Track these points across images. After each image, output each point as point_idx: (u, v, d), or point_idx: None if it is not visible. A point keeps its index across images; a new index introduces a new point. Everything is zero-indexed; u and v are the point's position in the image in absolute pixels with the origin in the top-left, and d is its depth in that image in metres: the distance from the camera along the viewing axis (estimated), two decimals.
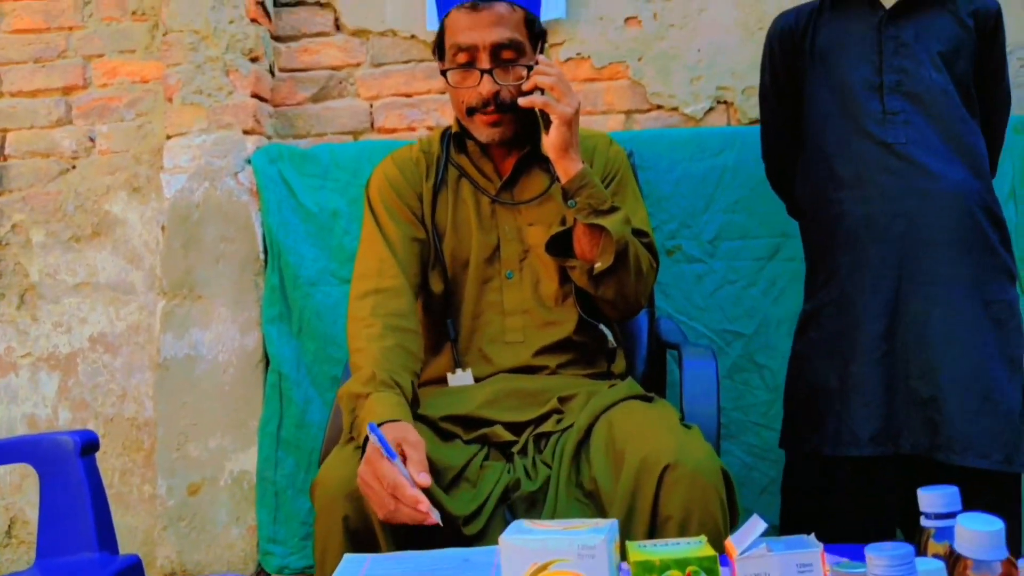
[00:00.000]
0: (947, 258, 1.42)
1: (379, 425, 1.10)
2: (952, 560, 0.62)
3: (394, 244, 1.36)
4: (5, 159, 2.19)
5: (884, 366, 1.42)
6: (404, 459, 1.06)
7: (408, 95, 2.08)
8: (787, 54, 1.61)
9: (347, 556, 1.04)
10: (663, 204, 1.89)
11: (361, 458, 1.11)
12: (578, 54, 2.03)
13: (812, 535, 0.72)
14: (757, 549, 0.56)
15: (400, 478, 1.03)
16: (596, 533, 0.59)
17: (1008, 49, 1.90)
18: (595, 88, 2.03)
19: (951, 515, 0.68)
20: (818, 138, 1.56)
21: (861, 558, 0.87)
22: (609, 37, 2.02)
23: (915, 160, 1.45)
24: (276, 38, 2.10)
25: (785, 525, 1.60)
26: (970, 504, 1.43)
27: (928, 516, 0.68)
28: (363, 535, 1.12)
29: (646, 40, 2.01)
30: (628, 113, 2.03)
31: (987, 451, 1.36)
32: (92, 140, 2.16)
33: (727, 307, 1.87)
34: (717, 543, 1.04)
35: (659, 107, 2.01)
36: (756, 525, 0.58)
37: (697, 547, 0.57)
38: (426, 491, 1.05)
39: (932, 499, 0.68)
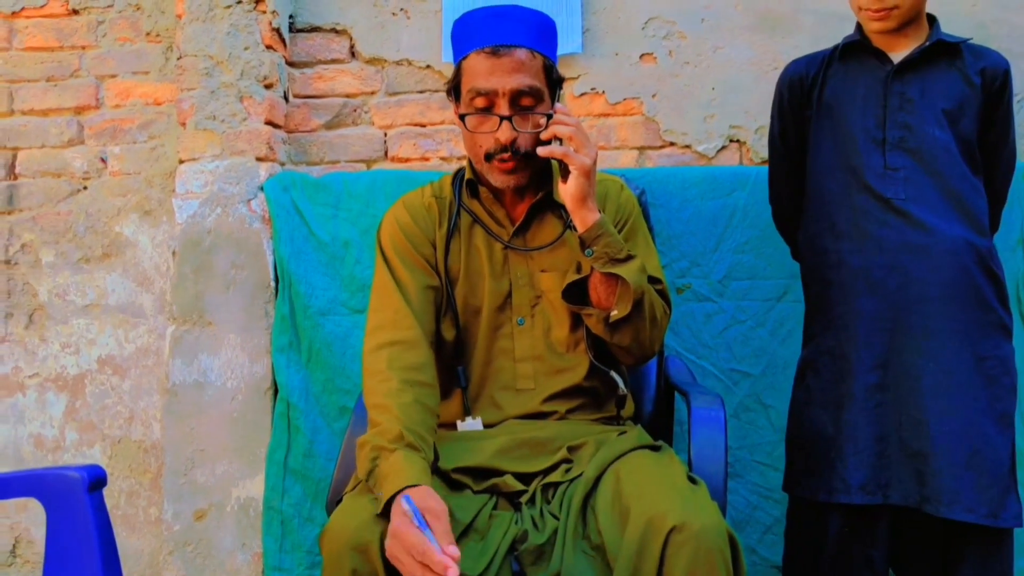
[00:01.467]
0: (941, 313, 1.44)
1: (404, 488, 1.10)
2: None
3: (409, 294, 1.36)
4: (16, 178, 2.19)
5: (876, 417, 1.45)
6: (431, 528, 1.07)
7: (422, 125, 2.09)
8: (796, 102, 1.62)
9: None
10: (674, 242, 1.90)
11: (379, 513, 1.12)
12: (592, 89, 2.04)
13: None
14: None
15: (429, 546, 1.04)
16: None
17: (1018, 97, 1.92)
18: (608, 124, 2.04)
19: None
20: (820, 188, 1.57)
21: None
22: (624, 73, 2.02)
23: (913, 216, 1.46)
24: (291, 64, 2.11)
25: (787, 567, 1.61)
26: (962, 557, 1.45)
27: None
28: None
29: (661, 77, 2.02)
30: (641, 149, 2.03)
31: (973, 505, 1.38)
32: (104, 161, 2.16)
33: (735, 347, 1.88)
34: None
35: (672, 144, 2.02)
36: None
37: None
38: None
39: None
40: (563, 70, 2.02)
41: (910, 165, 1.48)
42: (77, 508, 1.37)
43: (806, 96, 1.60)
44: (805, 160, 1.62)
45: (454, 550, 1.04)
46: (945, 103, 1.50)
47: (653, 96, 2.02)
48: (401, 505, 1.09)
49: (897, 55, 1.53)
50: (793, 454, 1.58)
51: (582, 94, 2.04)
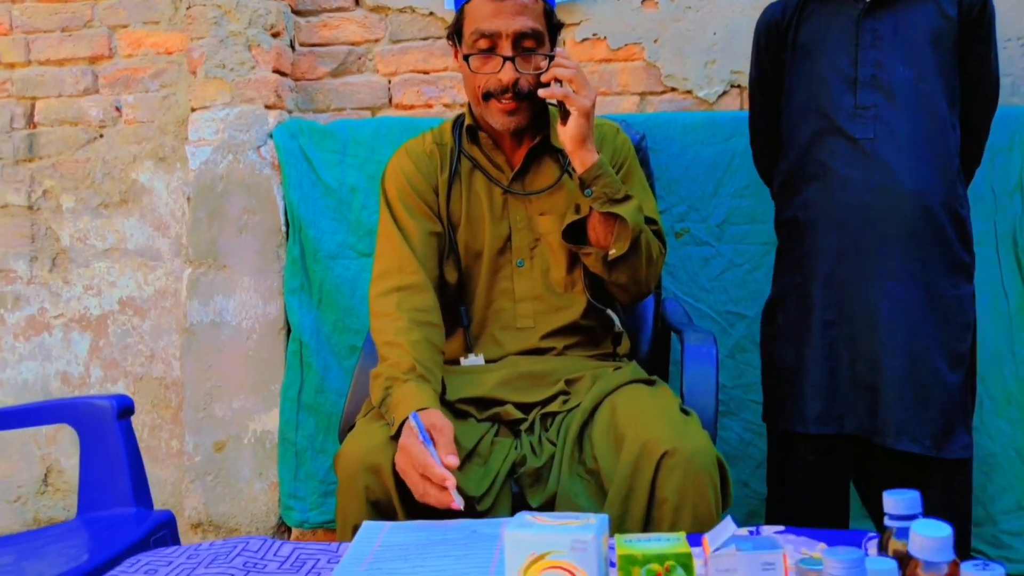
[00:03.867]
0: (901, 253, 1.47)
1: (408, 418, 1.19)
2: (906, 560, 0.70)
3: (413, 240, 1.42)
4: (35, 127, 2.26)
5: (833, 352, 1.50)
6: (434, 443, 1.15)
7: (425, 72, 2.12)
8: (772, 47, 1.63)
9: (367, 523, 1.14)
10: (673, 187, 1.94)
11: (392, 436, 1.21)
12: (594, 34, 2.06)
13: (779, 535, 0.80)
14: (727, 548, 0.63)
15: (430, 459, 1.12)
16: (588, 530, 0.67)
17: (1022, 40, 1.93)
18: (610, 69, 2.07)
19: (911, 517, 0.75)
20: (793, 131, 1.60)
21: (825, 540, 0.96)
22: (626, 18, 2.05)
23: (880, 157, 1.49)
24: (296, 12, 2.14)
25: (768, 492, 1.69)
26: (920, 485, 1.52)
27: (891, 517, 0.76)
28: (382, 504, 1.21)
29: (662, 22, 2.04)
30: (642, 95, 2.07)
31: (919, 437, 1.45)
32: (118, 110, 2.22)
33: (732, 289, 1.94)
34: (709, 525, 1.13)
35: (673, 89, 2.05)
36: (728, 526, 0.66)
37: (676, 543, 0.65)
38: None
39: (894, 502, 0.75)
40: (565, 16, 2.05)
41: (881, 103, 1.50)
42: (108, 433, 1.47)
43: (782, 39, 1.61)
44: (781, 105, 1.64)
45: (453, 459, 1.12)
46: (921, 38, 1.50)
47: (655, 41, 2.05)
48: (410, 422, 1.17)
49: None
50: (766, 388, 1.65)
51: (584, 40, 2.07)
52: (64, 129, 2.24)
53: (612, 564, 0.67)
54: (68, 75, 2.24)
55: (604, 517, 0.73)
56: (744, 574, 0.61)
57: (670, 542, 0.65)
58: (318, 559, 1.04)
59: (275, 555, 1.06)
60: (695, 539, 0.74)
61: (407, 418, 1.19)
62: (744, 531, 0.67)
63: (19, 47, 2.25)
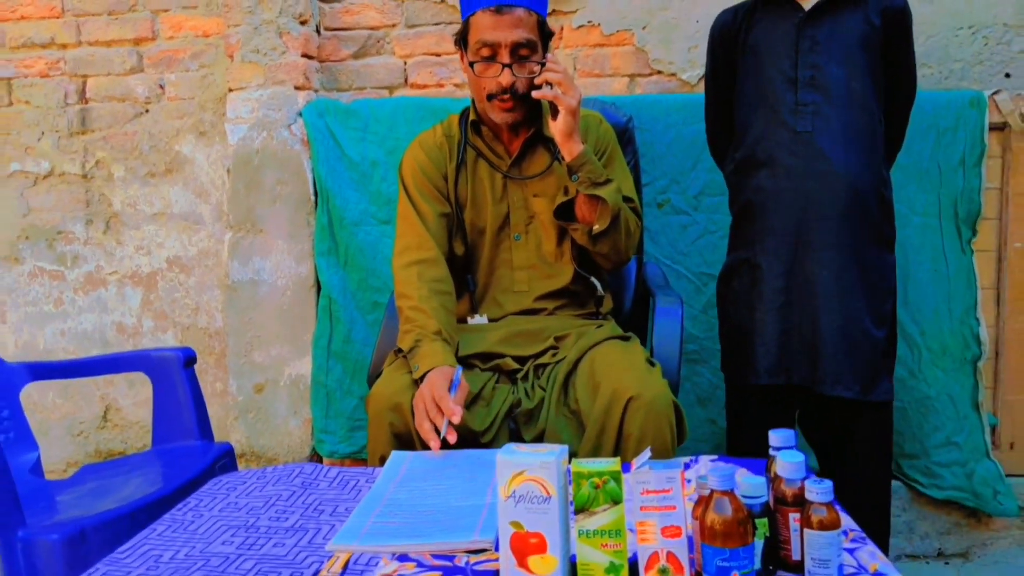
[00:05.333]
0: (836, 229, 1.72)
1: (434, 368, 1.47)
2: (775, 477, 0.99)
3: (427, 220, 1.70)
4: (87, 102, 2.51)
5: (781, 315, 1.76)
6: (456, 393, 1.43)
7: (438, 54, 2.36)
8: (726, 48, 1.85)
9: (394, 453, 1.44)
10: (657, 163, 2.19)
11: (417, 379, 1.49)
12: (589, 22, 2.29)
13: (712, 461, 1.08)
14: (642, 468, 0.92)
15: (448, 397, 1.39)
16: (551, 455, 0.96)
17: (972, 28, 2.16)
18: (603, 53, 2.30)
19: (787, 448, 1.04)
20: (744, 123, 1.83)
21: (747, 466, 1.25)
22: (618, 7, 2.27)
23: (817, 146, 1.72)
24: None
25: (728, 432, 1.97)
26: (854, 426, 1.79)
27: (773, 448, 1.04)
28: (405, 438, 1.50)
29: (651, 10, 2.26)
30: (632, 76, 2.30)
31: (850, 385, 1.72)
32: (162, 87, 2.47)
33: (706, 253, 2.21)
34: (666, 456, 1.43)
35: (659, 72, 2.28)
36: (646, 455, 0.94)
37: (611, 465, 0.94)
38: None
39: (774, 437, 1.04)
40: (563, 5, 2.28)
41: (819, 100, 1.72)
42: (176, 380, 1.77)
43: (733, 41, 1.83)
44: (733, 97, 1.87)
45: (460, 409, 1.40)
46: (850, 43, 1.72)
47: (644, 28, 2.27)
48: (447, 369, 1.46)
49: (809, 2, 1.74)
50: (724, 344, 1.92)
51: (579, 26, 2.29)
52: (113, 105, 2.50)
53: (570, 480, 0.96)
54: (115, 55, 2.48)
55: (565, 447, 1.01)
56: (654, 485, 0.90)
57: (608, 464, 0.94)
58: (358, 479, 1.35)
59: (325, 476, 1.37)
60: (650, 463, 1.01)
61: (432, 368, 1.47)
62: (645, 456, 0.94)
63: (71, 29, 2.49)
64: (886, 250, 1.79)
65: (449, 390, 1.41)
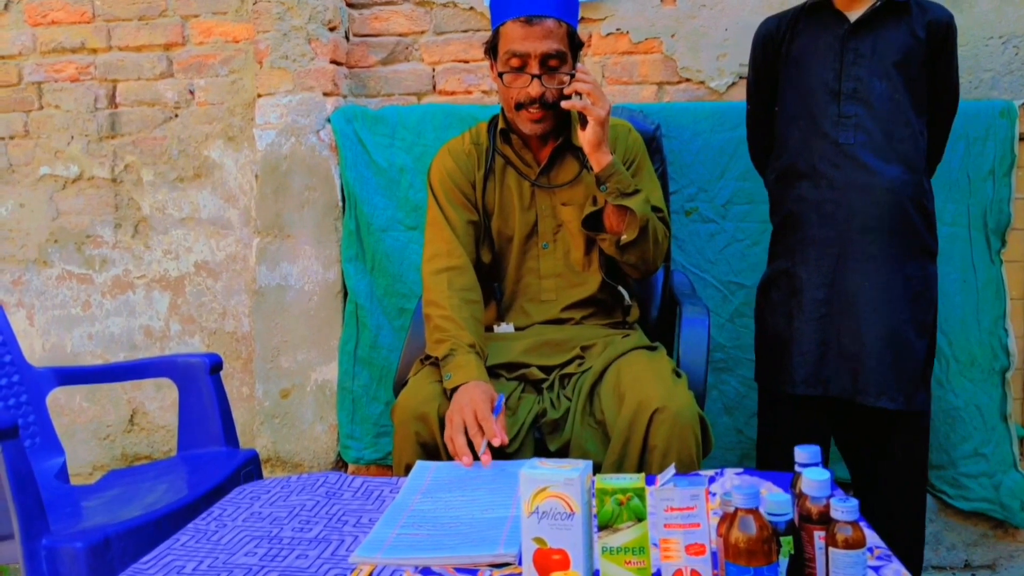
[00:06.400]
0: (878, 241, 1.70)
1: (467, 382, 1.48)
2: (800, 495, 0.98)
3: (456, 228, 1.69)
4: (116, 107, 2.54)
5: (821, 326, 1.74)
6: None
7: (466, 61, 2.36)
8: (768, 57, 1.85)
9: (420, 462, 1.44)
10: (685, 171, 2.18)
11: (450, 389, 1.49)
12: (618, 29, 2.28)
13: (738, 475, 1.07)
14: (667, 485, 0.91)
15: (492, 419, 1.40)
16: (575, 471, 0.95)
17: (1003, 38, 2.12)
18: (632, 60, 2.29)
19: (813, 465, 1.02)
20: (785, 134, 1.82)
21: (773, 480, 1.23)
22: (646, 15, 2.25)
23: (859, 158, 1.71)
24: (350, 5, 2.38)
25: (759, 443, 1.96)
26: (890, 440, 1.77)
27: (799, 465, 1.02)
28: (431, 447, 1.50)
29: (679, 18, 2.25)
30: (660, 84, 2.29)
31: (894, 396, 1.70)
32: (191, 93, 2.49)
33: (733, 262, 2.18)
34: (691, 468, 1.41)
35: (688, 80, 2.27)
36: (670, 470, 0.93)
37: (635, 481, 0.93)
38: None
39: (800, 454, 1.02)
40: (592, 13, 2.27)
41: (861, 113, 1.71)
42: (202, 386, 1.78)
43: (776, 51, 1.83)
44: (775, 107, 1.86)
45: (504, 435, 1.40)
46: (894, 56, 1.71)
47: (672, 36, 2.26)
48: (485, 387, 1.46)
49: (854, 14, 1.74)
50: (759, 353, 1.90)
51: (608, 34, 2.28)
52: (143, 109, 2.52)
53: (593, 495, 0.95)
54: (145, 60, 2.50)
55: (589, 463, 1.00)
56: (678, 503, 0.89)
57: (632, 480, 0.93)
58: (382, 489, 1.35)
59: (348, 486, 1.37)
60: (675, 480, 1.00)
61: (466, 382, 1.48)
62: (670, 473, 0.93)
63: (101, 34, 2.52)
64: (928, 260, 1.77)
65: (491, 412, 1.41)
